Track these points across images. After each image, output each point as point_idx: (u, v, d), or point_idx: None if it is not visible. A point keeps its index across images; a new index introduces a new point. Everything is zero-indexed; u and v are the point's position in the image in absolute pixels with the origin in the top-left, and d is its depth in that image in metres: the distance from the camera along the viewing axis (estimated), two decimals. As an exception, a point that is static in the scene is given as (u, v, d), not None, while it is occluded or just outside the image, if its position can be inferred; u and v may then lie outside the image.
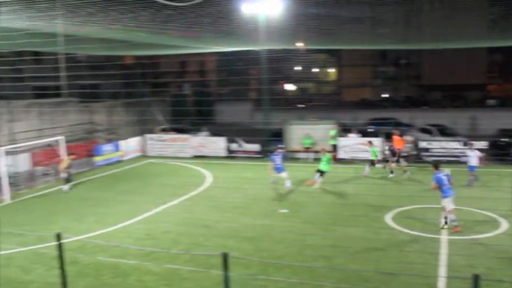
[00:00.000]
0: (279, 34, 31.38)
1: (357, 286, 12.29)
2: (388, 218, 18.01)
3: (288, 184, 23.11)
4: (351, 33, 32.64)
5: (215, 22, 26.60)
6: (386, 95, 77.78)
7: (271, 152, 31.49)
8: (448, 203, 16.42)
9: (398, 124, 37.31)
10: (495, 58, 74.28)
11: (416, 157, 29.42)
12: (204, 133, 35.40)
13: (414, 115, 41.41)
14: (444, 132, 33.60)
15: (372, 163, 26.23)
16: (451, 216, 16.43)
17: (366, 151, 29.90)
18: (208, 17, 25.53)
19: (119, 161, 32.25)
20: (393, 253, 14.52)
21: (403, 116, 42.12)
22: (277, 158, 23.16)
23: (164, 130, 37.91)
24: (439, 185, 16.35)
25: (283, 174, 23.16)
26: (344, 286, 12.24)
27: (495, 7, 32.70)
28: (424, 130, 35.10)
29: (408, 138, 29.80)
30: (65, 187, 24.15)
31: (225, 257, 8.92)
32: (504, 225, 16.94)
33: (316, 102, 62.62)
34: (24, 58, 43.58)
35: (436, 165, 16.77)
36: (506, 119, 32.83)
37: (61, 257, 9.77)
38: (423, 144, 29.96)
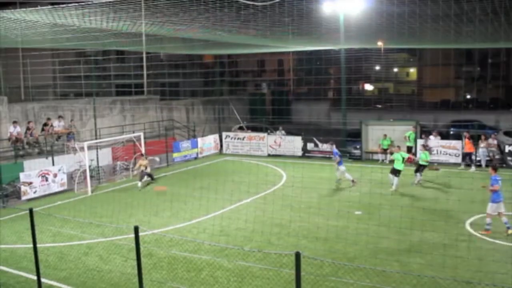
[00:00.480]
0: (359, 33, 30.93)
1: (433, 293, 11.90)
2: (468, 225, 17.33)
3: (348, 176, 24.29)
4: (434, 31, 31.67)
5: (295, 21, 26.58)
6: (469, 96, 74.82)
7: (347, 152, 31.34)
8: (496, 208, 16.18)
9: (481, 127, 35.80)
10: None
11: (501, 161, 28.14)
12: (280, 132, 35.45)
13: (500, 117, 39.62)
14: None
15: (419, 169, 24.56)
16: (488, 220, 16.29)
17: (447, 153, 29.02)
18: (288, 16, 25.54)
19: (196, 158, 32.90)
20: (472, 261, 13.92)
21: (488, 118, 40.37)
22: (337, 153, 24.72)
23: (240, 128, 38.32)
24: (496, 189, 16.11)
25: (342, 168, 24.36)
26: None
27: None
28: (510, 134, 33.48)
29: (492, 141, 28.62)
30: (140, 183, 24.82)
31: (297, 257, 8.87)
32: None
33: (395, 103, 61.17)
34: (109, 57, 45.35)
35: (495, 168, 16.60)
36: None
37: (137, 250, 10.05)
38: (508, 148, 28.60)
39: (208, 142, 34.59)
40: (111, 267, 13.84)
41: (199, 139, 33.93)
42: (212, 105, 39.20)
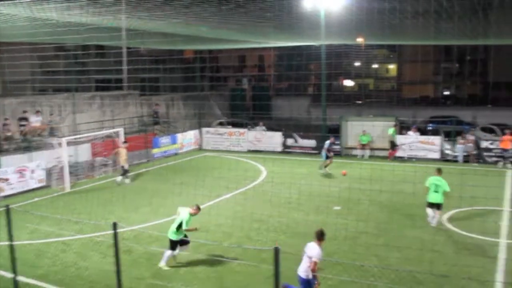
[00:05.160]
0: (339, 29, 31.06)
1: (410, 287, 12.03)
2: (445, 220, 17.55)
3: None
4: (414, 27, 31.91)
5: (276, 16, 26.58)
6: (448, 93, 75.64)
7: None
8: None
9: (459, 123, 36.23)
10: None
11: (478, 157, 28.53)
12: (261, 127, 35.49)
13: (477, 113, 40.13)
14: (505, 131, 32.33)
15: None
16: None
17: (425, 149, 29.34)
18: (269, 11, 25.53)
19: (176, 154, 32.80)
20: (448, 255, 14.14)
21: (465, 114, 40.86)
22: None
23: (221, 124, 38.26)
24: None
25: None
26: (397, 287, 12.00)
27: None
28: (487, 129, 33.93)
29: (470, 137, 28.98)
30: (119, 178, 24.65)
31: (276, 252, 8.91)
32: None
33: (375, 99, 61.60)
34: (89, 52, 44.95)
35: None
36: None
37: (116, 246, 10.01)
38: (485, 144, 28.98)
39: (188, 138, 34.49)
40: (89, 264, 13.75)
41: (179, 135, 33.82)
42: (192, 101, 39.05)
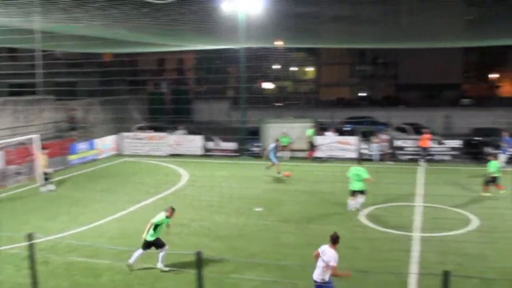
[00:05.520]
0: (258, 32, 31.39)
1: (330, 284, 12.34)
2: (362, 216, 18.14)
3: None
4: (331, 31, 32.76)
5: (194, 19, 26.50)
6: (363, 94, 78.28)
7: (247, 150, 31.78)
8: None
9: (374, 123, 37.60)
10: (470, 58, 75.24)
11: (391, 156, 29.69)
12: (181, 131, 35.24)
13: (390, 114, 41.77)
14: (419, 131, 33.87)
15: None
16: None
17: (343, 149, 30.17)
18: (187, 14, 25.41)
19: (94, 160, 31.95)
20: (366, 251, 14.63)
21: (380, 115, 42.44)
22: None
23: (140, 129, 37.65)
24: None
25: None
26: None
27: (472, 8, 33.08)
28: (400, 129, 35.40)
29: (384, 136, 30.11)
30: (44, 188, 23.66)
31: (198, 256, 8.90)
32: (474, 222, 17.22)
33: (294, 101, 62.74)
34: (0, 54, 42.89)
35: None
36: (479, 119, 33.27)
37: (31, 257, 9.65)
38: (398, 143, 30.23)
39: (106, 143, 33.69)
40: (3, 278, 13.12)
41: (97, 140, 32.97)
42: (110, 105, 38.18)
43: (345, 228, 16.78)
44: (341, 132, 33.34)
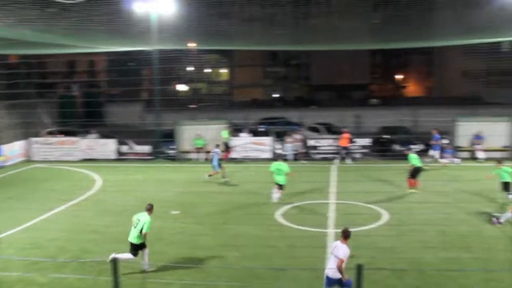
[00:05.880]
0: (171, 34, 31.16)
1: (250, 283, 12.49)
2: (279, 215, 18.47)
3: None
4: (244, 33, 33.11)
5: (106, 20, 25.94)
6: (277, 95, 79.58)
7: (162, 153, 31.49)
8: None
9: (288, 123, 38.33)
10: (377, 60, 78.61)
11: (305, 155, 30.40)
12: (93, 135, 34.32)
13: (303, 114, 42.70)
14: (331, 130, 34.95)
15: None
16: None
17: (258, 150, 30.56)
18: (98, 15, 24.83)
19: (1, 167, 30.44)
20: (283, 249, 14.91)
21: (293, 115, 43.29)
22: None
23: (50, 133, 36.28)
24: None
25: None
26: (237, 284, 12.40)
27: (377, 12, 34.60)
28: (313, 129, 36.30)
29: (297, 136, 30.77)
30: None
31: (114, 262, 8.75)
32: (385, 217, 18.01)
33: (208, 103, 62.79)
34: None
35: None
36: (387, 117, 34.78)
37: None
38: (311, 142, 31.01)
39: (14, 149, 32.19)
40: None
41: (4, 146, 31.43)
42: (17, 109, 36.52)
43: (261, 227, 17.06)
44: (256, 133, 33.74)
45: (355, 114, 42.17)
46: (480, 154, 28.57)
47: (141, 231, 13.11)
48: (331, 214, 18.48)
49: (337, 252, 10.51)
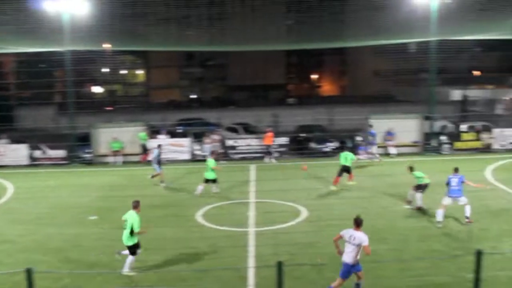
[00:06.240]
0: (84, 34, 30.31)
1: (173, 286, 12.41)
2: (199, 216, 18.44)
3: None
4: (159, 34, 32.77)
5: (14, 19, 24.88)
6: (194, 96, 79.30)
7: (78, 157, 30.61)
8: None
9: (206, 124, 38.31)
10: (292, 60, 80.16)
11: (224, 155, 30.51)
12: (3, 140, 32.74)
13: (221, 114, 42.82)
14: (249, 130, 35.27)
15: None
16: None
17: (176, 151, 30.34)
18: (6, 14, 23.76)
19: None
20: (204, 250, 14.90)
21: (211, 116, 43.31)
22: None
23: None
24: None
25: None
26: (160, 287, 12.29)
27: (290, 13, 35.30)
28: (231, 129, 36.47)
29: (215, 137, 30.83)
30: None
31: (28, 273, 8.44)
32: (303, 213, 18.42)
33: (125, 104, 61.57)
34: None
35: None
36: (303, 116, 35.55)
37: None
38: (230, 142, 31.15)
39: None
40: None
41: None
42: None
43: (182, 229, 16.98)
44: (174, 135, 33.47)
45: (273, 114, 42.80)
46: (392, 150, 29.83)
47: (131, 231, 12.93)
48: (251, 213, 18.67)
49: (356, 241, 11.05)
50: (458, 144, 31.16)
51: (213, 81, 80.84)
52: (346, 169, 22.20)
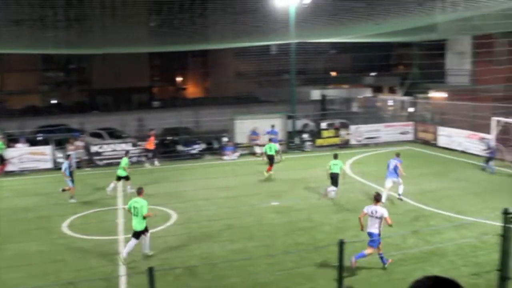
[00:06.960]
0: None
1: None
2: (64, 227, 17.71)
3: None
4: (11, 35, 30.95)
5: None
6: (55, 101, 75.65)
7: None
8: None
9: (69, 130, 36.71)
10: (156, 63, 79.45)
11: (89, 162, 29.52)
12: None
13: (84, 120, 41.30)
14: (114, 134, 34.38)
15: None
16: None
17: (37, 160, 28.83)
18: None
19: None
20: (72, 262, 14.34)
21: (74, 121, 41.56)
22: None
23: None
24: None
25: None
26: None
27: (153, 16, 35.01)
28: (95, 134, 35.26)
29: (79, 143, 29.71)
30: None
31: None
32: (173, 217, 18.48)
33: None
34: None
35: None
36: (169, 119, 35.33)
37: None
38: (94, 148, 30.16)
39: None
40: None
41: None
42: None
43: (46, 242, 16.21)
44: (34, 143, 31.69)
45: (138, 118, 42.10)
46: (257, 149, 30.66)
47: (142, 217, 14.02)
48: (120, 220, 18.29)
49: (378, 214, 12.91)
50: (319, 141, 32.86)
51: (75, 85, 77.65)
52: (270, 158, 24.37)
